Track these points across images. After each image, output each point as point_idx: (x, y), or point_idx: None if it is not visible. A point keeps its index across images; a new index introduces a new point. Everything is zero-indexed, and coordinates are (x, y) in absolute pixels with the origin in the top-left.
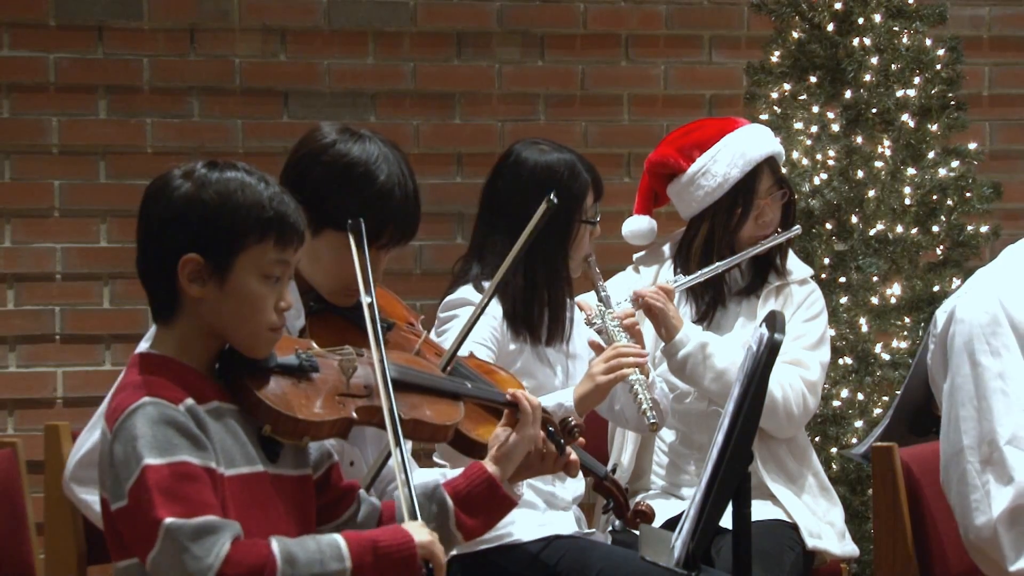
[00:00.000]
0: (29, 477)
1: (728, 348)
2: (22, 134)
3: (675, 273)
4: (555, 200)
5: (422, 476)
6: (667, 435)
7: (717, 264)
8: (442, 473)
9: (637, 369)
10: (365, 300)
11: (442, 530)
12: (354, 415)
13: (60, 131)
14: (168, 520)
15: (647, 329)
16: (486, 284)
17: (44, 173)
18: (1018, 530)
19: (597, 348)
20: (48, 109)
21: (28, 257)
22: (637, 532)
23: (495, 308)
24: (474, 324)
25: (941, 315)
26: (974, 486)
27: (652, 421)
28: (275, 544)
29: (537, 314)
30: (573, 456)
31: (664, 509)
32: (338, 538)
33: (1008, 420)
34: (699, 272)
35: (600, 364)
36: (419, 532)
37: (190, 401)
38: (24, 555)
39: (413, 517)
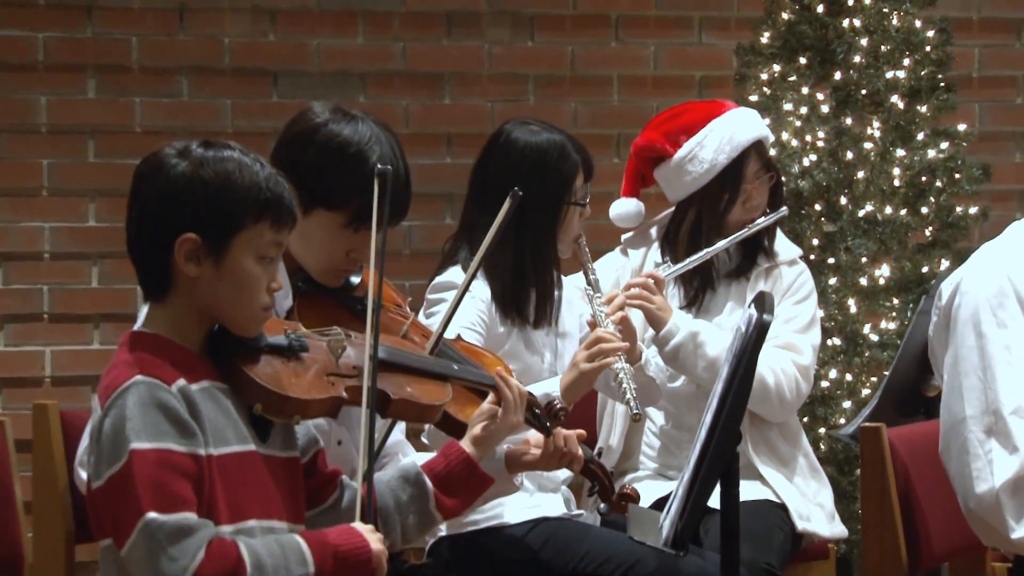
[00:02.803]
0: (17, 456)
1: (719, 336)
2: (11, 113)
3: (663, 257)
4: (520, 193)
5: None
6: (658, 417)
7: (706, 250)
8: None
9: (622, 356)
10: (372, 274)
11: (422, 513)
12: (344, 394)
13: (49, 110)
14: (149, 515)
15: (638, 311)
16: None
17: (33, 152)
18: (1021, 498)
19: (593, 327)
20: (37, 88)
21: (16, 236)
22: (622, 515)
23: (483, 291)
24: (457, 307)
25: (946, 287)
26: (976, 455)
27: (635, 412)
28: (243, 548)
29: (525, 296)
30: (579, 452)
31: (655, 490)
32: (300, 541)
33: (1013, 391)
34: (688, 260)
35: (583, 352)
36: (373, 539)
37: (182, 382)
38: (12, 534)
39: (365, 520)
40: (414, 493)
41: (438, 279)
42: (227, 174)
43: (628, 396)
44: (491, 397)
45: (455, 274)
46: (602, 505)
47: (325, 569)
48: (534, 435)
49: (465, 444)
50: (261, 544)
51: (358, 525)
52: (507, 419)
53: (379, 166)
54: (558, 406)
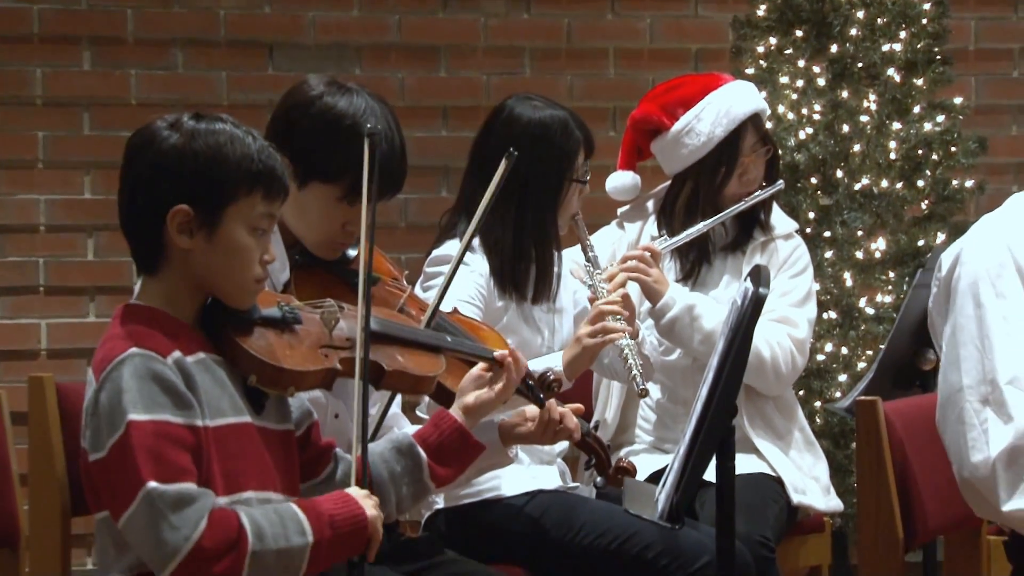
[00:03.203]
0: (13, 429)
1: (715, 309)
2: (6, 85)
3: (659, 230)
4: (515, 153)
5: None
6: (654, 391)
7: (702, 224)
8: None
9: (626, 333)
10: (363, 247)
11: (416, 483)
12: (338, 366)
13: (44, 82)
14: (151, 484)
15: (634, 284)
16: (474, 239)
17: (28, 124)
18: (1014, 470)
19: (594, 303)
20: (32, 60)
21: (12, 209)
22: (619, 488)
23: (482, 265)
24: (451, 279)
25: (946, 258)
26: (972, 424)
27: (641, 387)
28: (244, 517)
29: (524, 272)
30: (573, 422)
31: (651, 464)
32: (297, 511)
33: (1010, 361)
34: (684, 233)
35: (586, 327)
36: (368, 505)
37: (177, 353)
38: (8, 506)
39: (361, 485)
40: (408, 464)
41: (436, 252)
42: (219, 146)
43: (634, 372)
44: (481, 365)
45: (453, 247)
46: (598, 479)
47: (323, 538)
48: (531, 409)
49: (456, 413)
50: (260, 513)
51: (352, 490)
52: (507, 392)
53: (368, 126)
54: (551, 377)
